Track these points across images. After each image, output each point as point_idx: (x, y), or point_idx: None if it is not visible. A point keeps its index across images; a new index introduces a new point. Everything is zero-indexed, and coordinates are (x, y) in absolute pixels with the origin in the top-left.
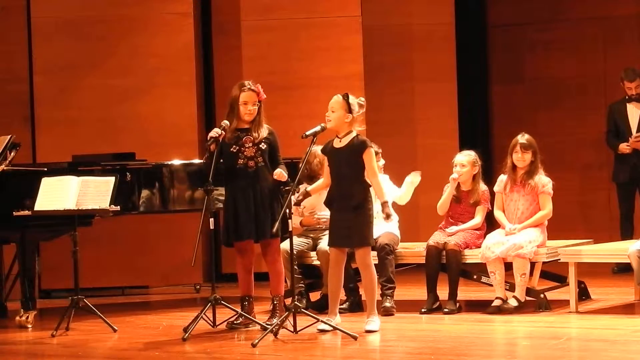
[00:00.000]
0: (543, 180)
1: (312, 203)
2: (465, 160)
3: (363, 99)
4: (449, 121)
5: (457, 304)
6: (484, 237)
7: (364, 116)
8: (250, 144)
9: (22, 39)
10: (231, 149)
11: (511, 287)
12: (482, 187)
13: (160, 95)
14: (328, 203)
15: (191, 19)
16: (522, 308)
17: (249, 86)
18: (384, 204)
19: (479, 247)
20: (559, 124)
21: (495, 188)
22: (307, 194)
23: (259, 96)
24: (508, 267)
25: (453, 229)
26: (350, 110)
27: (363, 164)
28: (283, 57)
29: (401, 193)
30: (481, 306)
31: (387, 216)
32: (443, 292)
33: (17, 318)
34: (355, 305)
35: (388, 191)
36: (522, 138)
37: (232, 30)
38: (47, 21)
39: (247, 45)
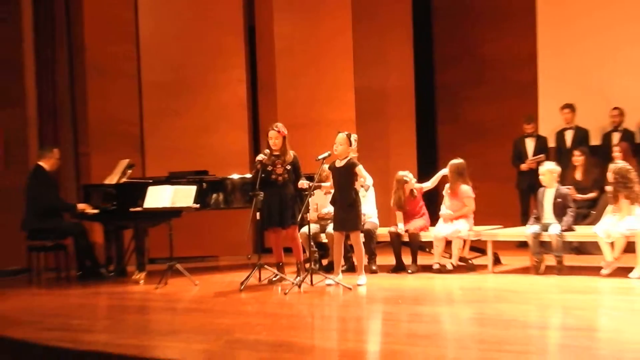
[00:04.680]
0: (464, 189)
1: (322, 204)
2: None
3: (356, 135)
4: (410, 148)
5: (416, 267)
6: (430, 225)
7: (357, 146)
8: (280, 165)
9: (134, 95)
10: (268, 168)
11: (450, 257)
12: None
13: (224, 132)
14: (332, 202)
15: (244, 83)
16: (455, 270)
17: (273, 127)
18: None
19: (427, 231)
20: (483, 150)
21: (444, 192)
22: (318, 187)
23: (280, 133)
24: (447, 244)
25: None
26: (350, 144)
27: (354, 177)
28: (304, 107)
29: (430, 182)
30: (429, 268)
31: (366, 188)
32: (406, 259)
33: (133, 277)
34: (350, 268)
35: (369, 195)
36: (451, 161)
37: (271, 89)
38: (151, 82)
39: (280, 100)
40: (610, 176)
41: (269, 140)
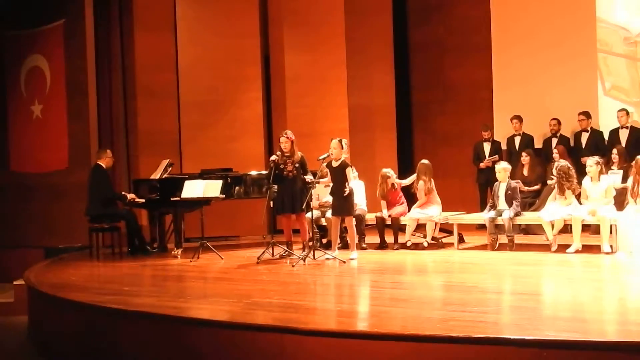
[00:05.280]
0: (420, 185)
1: (322, 194)
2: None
3: (346, 140)
4: (392, 152)
5: (399, 245)
6: (409, 211)
7: (349, 149)
8: (290, 164)
9: (175, 111)
10: (280, 166)
11: (424, 237)
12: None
13: (245, 140)
14: (331, 193)
15: (260, 102)
16: (428, 247)
17: (283, 134)
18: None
19: (405, 216)
20: (450, 154)
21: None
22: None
23: (289, 138)
24: (419, 227)
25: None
26: (342, 147)
27: (346, 174)
28: (309, 120)
29: (408, 180)
30: (406, 246)
31: (348, 193)
32: (389, 239)
33: (172, 253)
34: (345, 246)
35: (357, 189)
36: (422, 161)
37: (282, 107)
38: (187, 101)
39: (290, 115)
40: (554, 172)
41: (280, 145)
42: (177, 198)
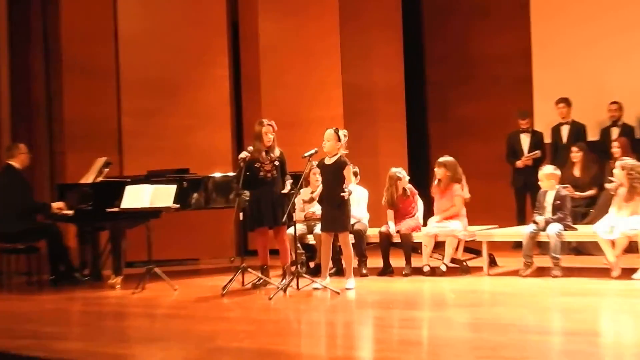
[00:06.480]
0: (454, 188)
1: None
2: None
3: (346, 131)
4: (400, 146)
5: (410, 269)
6: (424, 225)
7: (347, 143)
8: (268, 162)
9: (113, 93)
10: (255, 165)
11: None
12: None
13: (207, 131)
14: (320, 201)
15: (226, 80)
16: (448, 272)
17: (267, 122)
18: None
19: (419, 231)
20: (476, 147)
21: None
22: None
23: (274, 129)
24: (437, 245)
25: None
26: (339, 140)
27: (344, 176)
28: (290, 105)
29: None
30: (420, 271)
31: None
32: (396, 262)
33: (109, 281)
34: (338, 271)
35: (357, 197)
36: (440, 158)
37: (255, 87)
38: (130, 80)
39: (265, 97)
40: (621, 173)
41: (263, 136)
42: (116, 209)
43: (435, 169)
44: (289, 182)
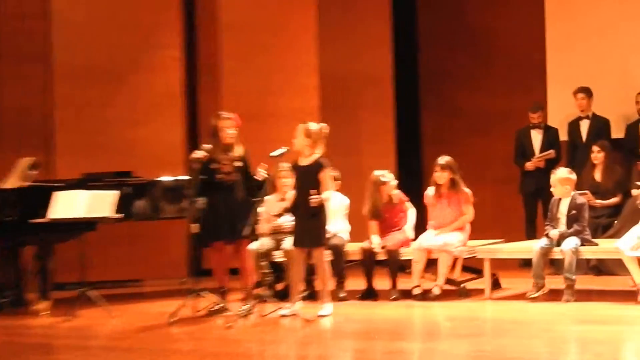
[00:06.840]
0: (466, 193)
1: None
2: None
3: (325, 124)
4: (388, 143)
5: (398, 292)
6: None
7: (326, 140)
8: (228, 162)
9: (41, 80)
10: (211, 166)
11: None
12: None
13: (155, 125)
14: (292, 210)
15: (178, 63)
16: (443, 295)
17: (227, 115)
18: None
19: (409, 247)
20: (478, 145)
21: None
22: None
23: (237, 123)
24: (430, 263)
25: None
26: (309, 136)
27: (320, 180)
28: (256, 94)
29: None
30: (409, 294)
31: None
32: (382, 284)
33: (34, 307)
34: (312, 295)
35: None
36: (441, 160)
37: (214, 73)
38: (63, 64)
39: (226, 85)
40: None
41: (221, 132)
42: (44, 219)
43: (437, 173)
44: (263, 171)
